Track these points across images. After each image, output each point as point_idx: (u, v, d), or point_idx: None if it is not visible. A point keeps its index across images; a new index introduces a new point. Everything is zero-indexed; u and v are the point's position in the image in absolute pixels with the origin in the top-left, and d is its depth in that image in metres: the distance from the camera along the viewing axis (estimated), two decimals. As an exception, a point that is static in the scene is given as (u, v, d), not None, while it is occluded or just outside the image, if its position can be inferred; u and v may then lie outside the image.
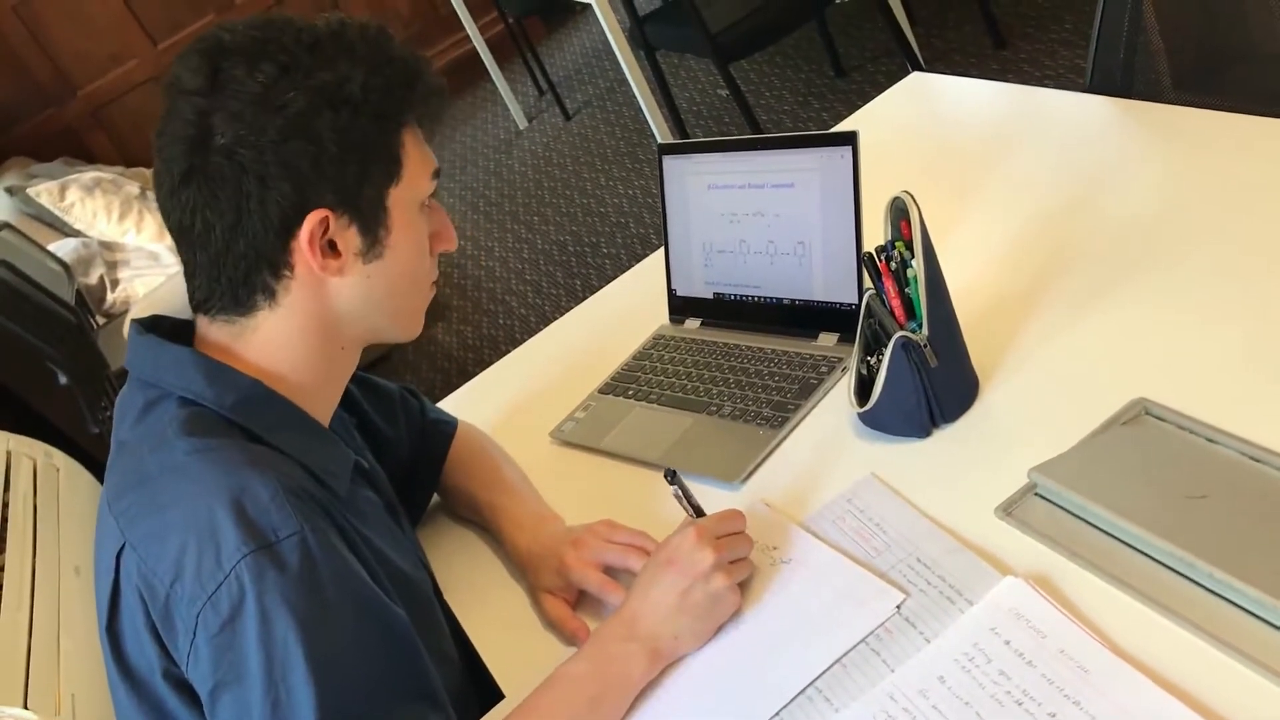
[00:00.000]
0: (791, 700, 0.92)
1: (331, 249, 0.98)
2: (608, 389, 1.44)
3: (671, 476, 1.05)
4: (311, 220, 0.96)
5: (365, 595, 0.93)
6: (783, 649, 0.97)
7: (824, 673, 0.93)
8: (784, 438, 1.22)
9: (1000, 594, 0.92)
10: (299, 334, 1.01)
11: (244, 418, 0.98)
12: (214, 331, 1.02)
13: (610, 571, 1.11)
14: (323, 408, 1.06)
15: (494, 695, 1.10)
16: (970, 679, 0.87)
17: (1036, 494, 1.00)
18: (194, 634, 0.88)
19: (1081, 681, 0.83)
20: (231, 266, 0.97)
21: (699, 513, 1.06)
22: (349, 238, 0.99)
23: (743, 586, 1.02)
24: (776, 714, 0.92)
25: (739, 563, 1.02)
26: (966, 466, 1.08)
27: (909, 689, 0.88)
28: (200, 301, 1.02)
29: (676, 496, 1.05)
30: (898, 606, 0.96)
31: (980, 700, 0.85)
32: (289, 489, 0.92)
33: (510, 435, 1.39)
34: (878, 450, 1.14)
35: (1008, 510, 1.00)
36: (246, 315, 1.00)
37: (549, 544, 1.16)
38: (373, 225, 0.99)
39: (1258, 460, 0.94)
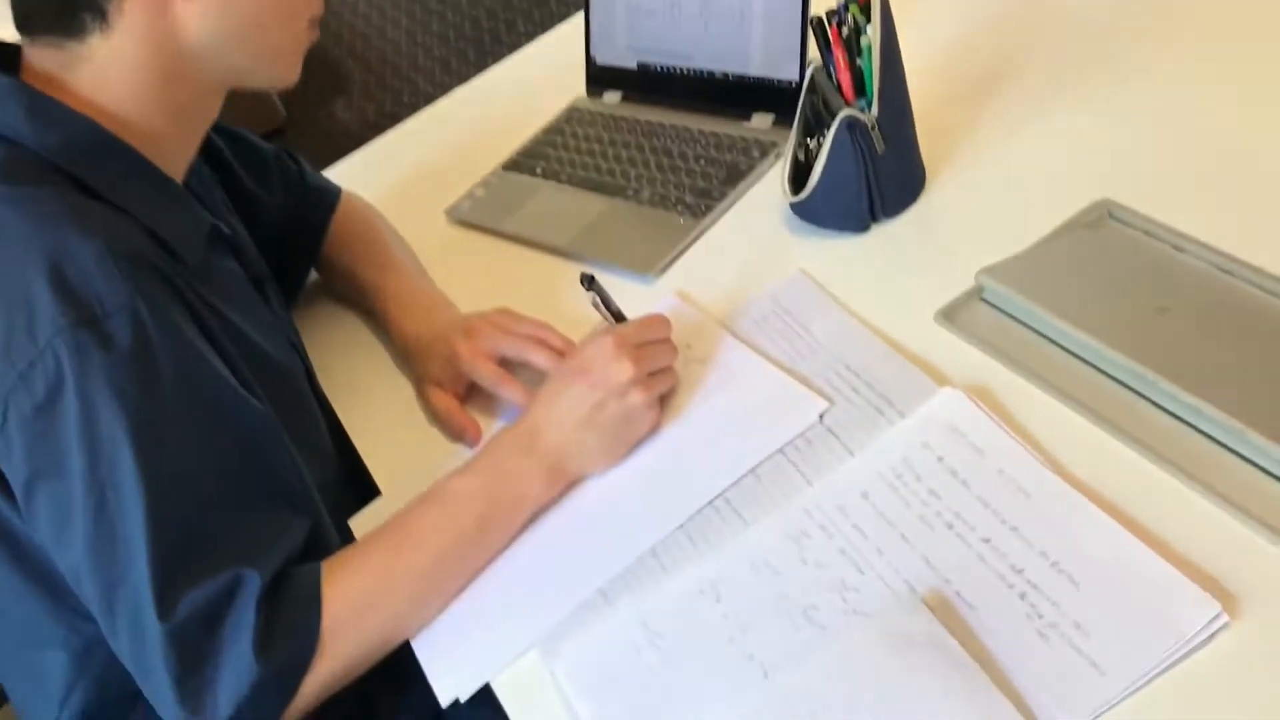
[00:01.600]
0: (698, 512, 0.83)
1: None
2: (513, 165, 1.29)
3: (589, 282, 0.92)
4: None
5: (211, 383, 0.80)
6: (691, 459, 0.87)
7: (735, 484, 0.84)
8: (706, 228, 1.10)
9: (936, 406, 0.83)
10: (140, 67, 0.84)
11: (73, 164, 0.82)
12: (40, 59, 0.85)
13: (509, 369, 0.99)
14: (174, 160, 0.90)
15: (372, 492, 0.99)
16: (897, 497, 0.78)
17: (983, 299, 0.90)
18: (4, 416, 0.74)
19: (1021, 505, 0.75)
20: None
21: (619, 319, 0.94)
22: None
23: (663, 401, 0.91)
24: (682, 527, 0.83)
25: (660, 374, 0.90)
26: (906, 267, 0.97)
27: (828, 504, 0.80)
28: (21, 21, 0.85)
29: (595, 305, 0.93)
30: (820, 415, 0.86)
31: (906, 521, 0.77)
32: (120, 252, 0.77)
33: (400, 212, 1.24)
34: (809, 246, 1.03)
35: (949, 316, 0.90)
36: (75, 39, 0.83)
37: (439, 331, 1.03)
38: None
39: (1227, 272, 0.85)
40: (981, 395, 0.82)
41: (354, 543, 0.86)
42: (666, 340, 0.91)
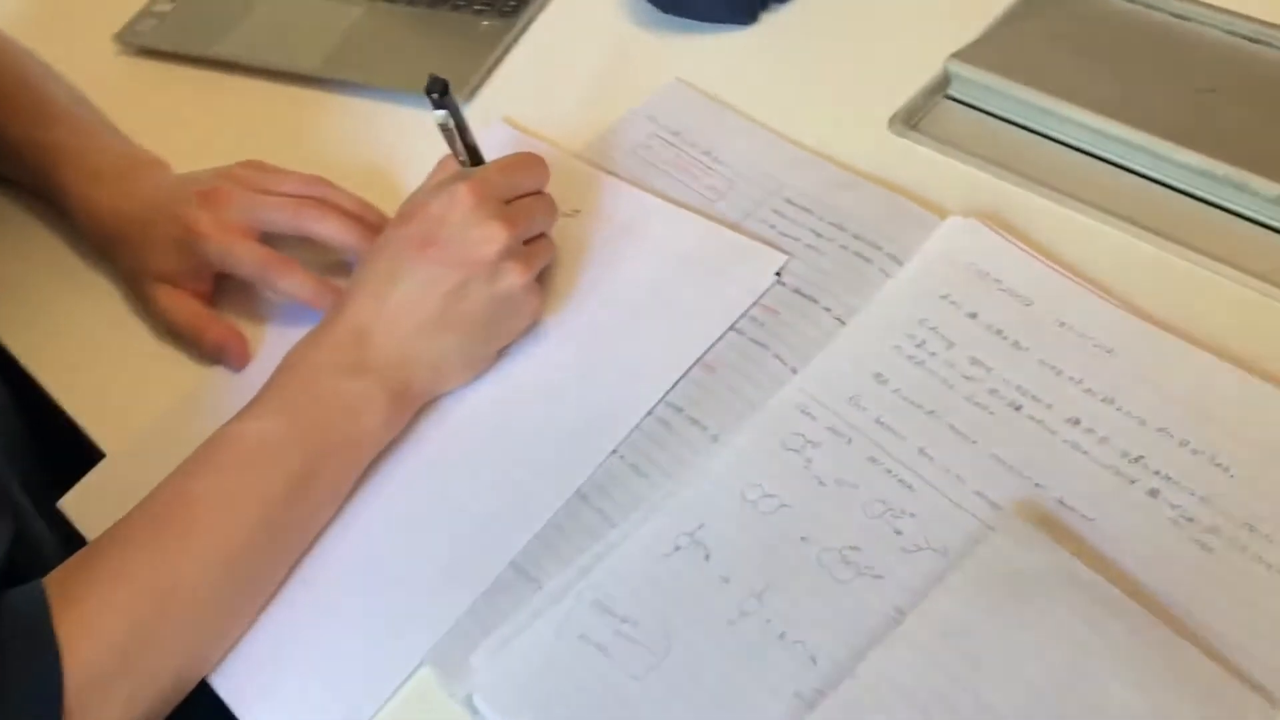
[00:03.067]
0: (635, 430, 0.57)
1: None
2: (209, -33, 0.92)
3: (442, 92, 0.59)
4: None
5: None
6: (605, 356, 0.60)
7: (678, 382, 0.58)
8: (522, 30, 0.80)
9: (943, 243, 0.60)
10: None
11: None
12: None
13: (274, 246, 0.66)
14: None
15: (80, 463, 0.65)
16: (927, 374, 0.56)
17: (948, 96, 0.68)
18: None
19: (1105, 365, 0.54)
20: None
21: (474, 157, 0.62)
22: None
23: (542, 278, 0.62)
24: (618, 455, 0.56)
25: (537, 242, 0.62)
26: (821, 67, 0.73)
27: (829, 396, 0.56)
28: None
29: (445, 131, 0.61)
30: (777, 273, 0.61)
31: (951, 406, 0.54)
32: None
33: (48, 46, 0.84)
34: (678, 50, 0.76)
35: (909, 121, 0.67)
36: None
37: (155, 200, 0.68)
38: None
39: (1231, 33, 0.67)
40: (991, 221, 0.60)
41: (92, 544, 0.53)
42: (541, 192, 0.62)
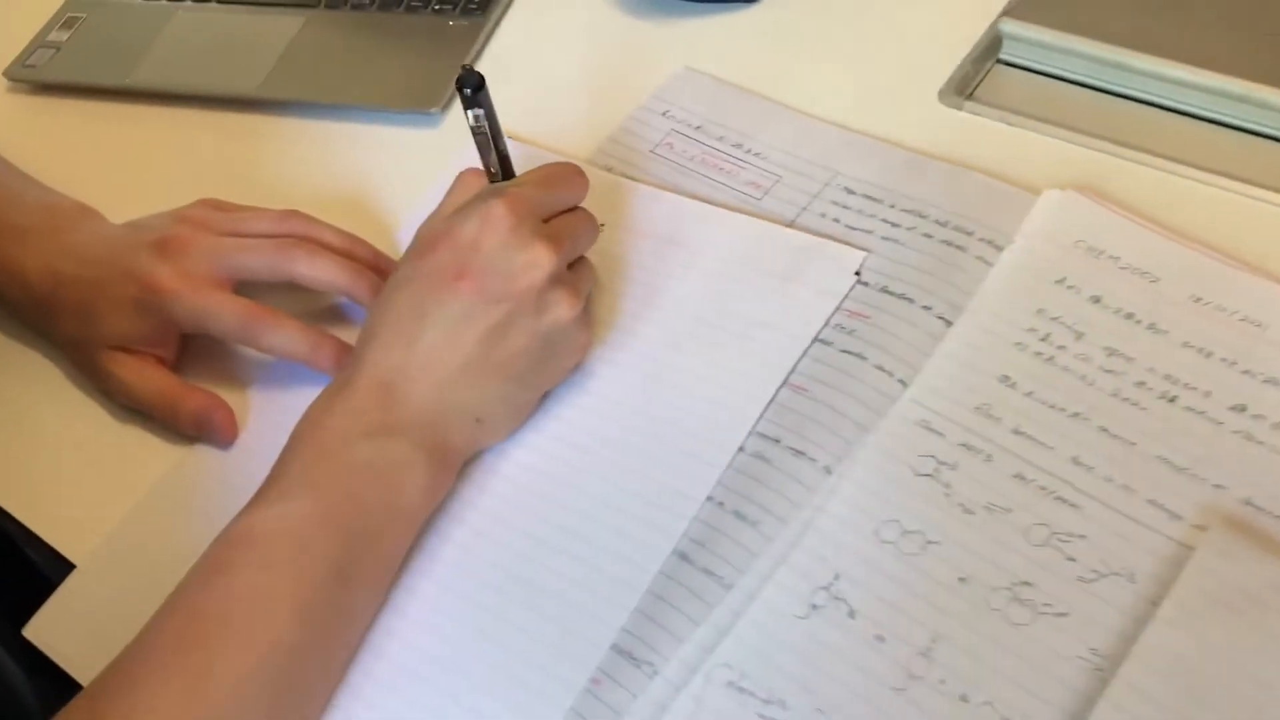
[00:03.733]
0: (720, 479, 0.48)
1: None
2: (108, -14, 0.80)
3: (476, 87, 0.49)
4: None
5: None
6: (668, 402, 0.51)
7: (761, 417, 0.50)
8: (494, 28, 0.71)
9: (1045, 223, 0.53)
10: None
11: None
12: None
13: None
14: None
15: (37, 583, 0.54)
16: (1060, 371, 0.48)
17: (1002, 60, 0.61)
18: None
19: (1258, 343, 0.48)
20: None
21: (505, 168, 0.53)
22: None
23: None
24: (716, 503, 0.48)
25: (577, 266, 0.52)
26: (846, 41, 0.65)
27: (951, 407, 0.48)
28: None
29: (479, 133, 0.50)
30: (857, 273, 0.53)
31: (1096, 405, 0.47)
32: None
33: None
34: (674, 42, 0.68)
35: (963, 92, 0.60)
36: None
37: (97, 255, 0.57)
38: None
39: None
40: (1088, 191, 0.54)
41: (98, 681, 0.43)
42: (580, 209, 0.53)
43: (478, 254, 0.48)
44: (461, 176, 0.54)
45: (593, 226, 0.52)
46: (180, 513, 0.54)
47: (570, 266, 0.51)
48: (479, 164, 0.52)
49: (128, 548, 0.53)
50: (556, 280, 0.49)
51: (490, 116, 0.50)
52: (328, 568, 0.45)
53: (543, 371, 0.51)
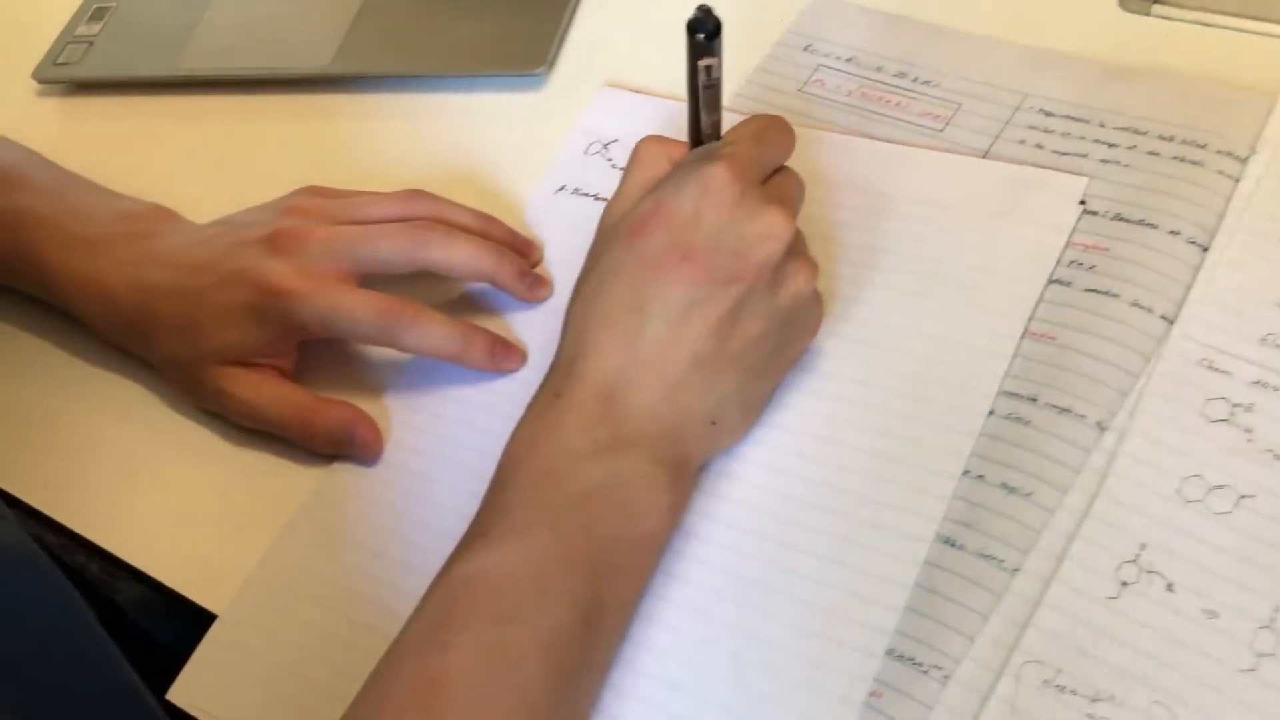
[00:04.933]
0: (973, 448, 0.42)
1: None
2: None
3: (712, 33, 0.41)
4: None
5: None
6: (899, 369, 0.45)
7: (1006, 374, 0.43)
8: (589, -23, 0.64)
9: (1289, 125, 0.47)
10: None
11: None
12: None
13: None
14: None
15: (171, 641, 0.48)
16: (1347, 291, 0.42)
17: (1185, -43, 0.55)
18: None
19: None
20: None
21: (714, 125, 0.44)
22: None
23: None
24: (978, 477, 0.41)
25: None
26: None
27: (1235, 341, 0.42)
28: None
29: (709, 87, 0.42)
30: (1081, 202, 0.47)
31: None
32: None
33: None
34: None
35: (1149, -5, 0.54)
36: None
37: (193, 261, 0.50)
38: None
39: None
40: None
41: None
42: (786, 166, 0.46)
43: (700, 230, 0.41)
44: (642, 145, 0.46)
45: (801, 186, 0.45)
46: (327, 544, 0.47)
47: None
48: (605, 125, 0.45)
49: (271, 590, 0.46)
50: (795, 249, 0.42)
51: (718, 67, 0.43)
52: (575, 615, 0.38)
53: (780, 358, 0.44)
